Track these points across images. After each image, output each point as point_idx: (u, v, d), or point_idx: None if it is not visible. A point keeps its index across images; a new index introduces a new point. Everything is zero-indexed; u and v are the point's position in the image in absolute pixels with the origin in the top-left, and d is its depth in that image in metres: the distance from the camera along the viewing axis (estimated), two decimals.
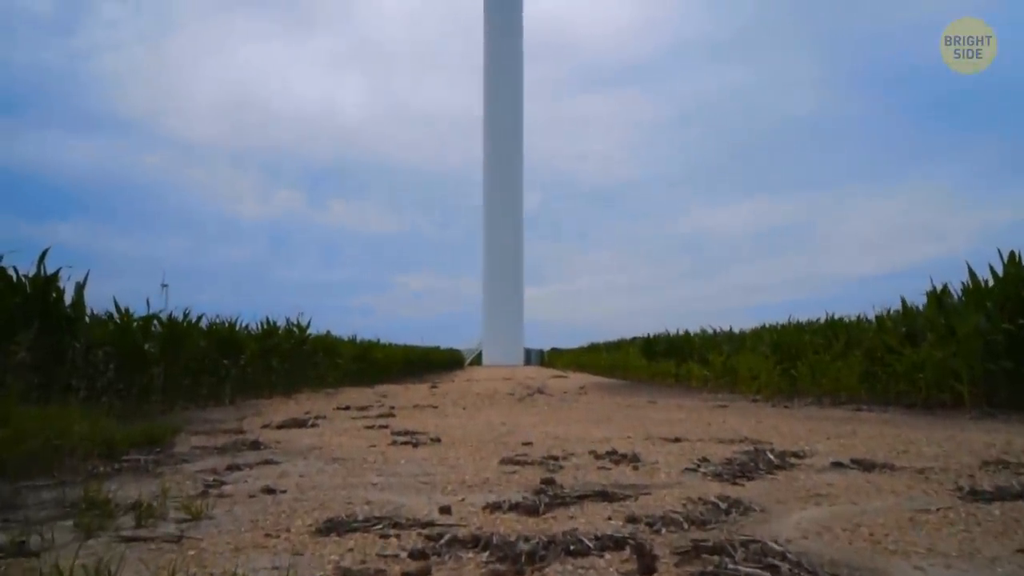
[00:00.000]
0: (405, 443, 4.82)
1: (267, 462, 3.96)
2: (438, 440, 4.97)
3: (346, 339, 17.67)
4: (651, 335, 21.49)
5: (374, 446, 4.72)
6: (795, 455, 4.08)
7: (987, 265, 8.10)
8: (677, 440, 4.89)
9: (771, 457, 3.93)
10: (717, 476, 3.41)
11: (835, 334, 10.65)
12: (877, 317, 10.33)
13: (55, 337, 6.56)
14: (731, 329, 15.96)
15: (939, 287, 9.00)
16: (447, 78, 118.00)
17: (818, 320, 12.34)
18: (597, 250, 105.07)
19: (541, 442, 4.83)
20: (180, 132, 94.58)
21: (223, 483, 3.30)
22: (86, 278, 7.16)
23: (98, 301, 8.32)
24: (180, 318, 9.48)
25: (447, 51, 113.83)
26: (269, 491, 3.09)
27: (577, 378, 21.74)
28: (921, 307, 9.48)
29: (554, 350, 54.88)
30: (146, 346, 7.88)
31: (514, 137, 60.55)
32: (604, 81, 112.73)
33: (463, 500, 2.88)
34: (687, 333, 18.10)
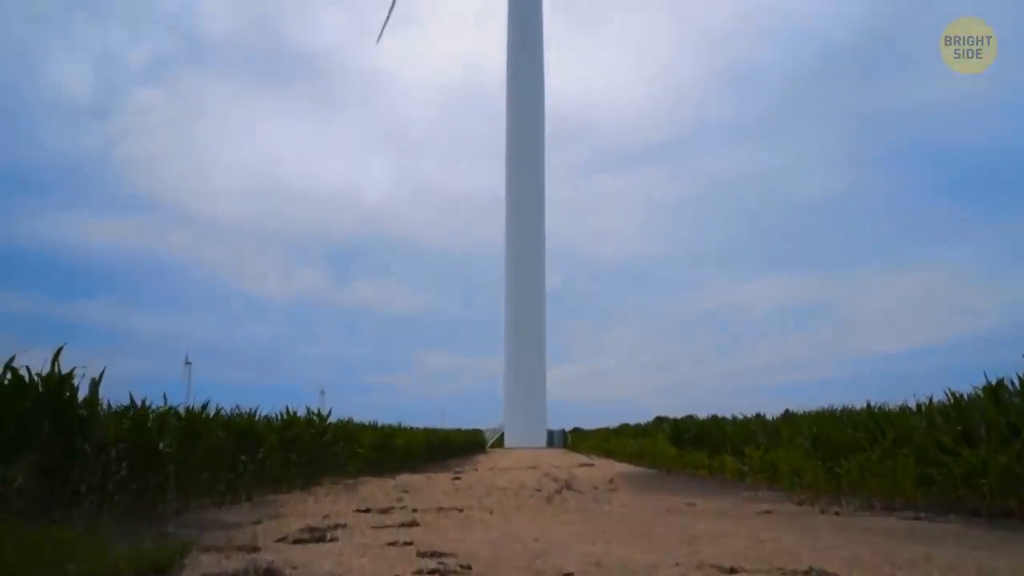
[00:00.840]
0: (432, 571, 4.39)
1: None
2: (468, 568, 4.53)
3: (367, 424, 17.27)
4: (678, 419, 20.83)
5: None
6: None
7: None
8: (734, 572, 4.41)
9: None
10: None
11: (880, 428, 10.08)
12: (921, 407, 9.82)
13: (67, 439, 6.28)
14: (761, 414, 15.40)
15: (993, 380, 8.53)
16: (470, 159, 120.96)
17: (853, 407, 11.83)
18: (619, 328, 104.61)
19: (582, 571, 4.38)
20: (206, 212, 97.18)
21: None
22: (101, 375, 6.95)
23: (122, 380, 8.12)
24: (198, 409, 9.22)
25: (470, 133, 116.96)
26: None
27: (604, 466, 20.97)
28: (966, 396, 9.02)
29: (576, 430, 53.66)
30: (161, 445, 7.55)
31: (536, 216, 60.95)
32: (626, 161, 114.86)
33: None
34: (716, 418, 17.46)
